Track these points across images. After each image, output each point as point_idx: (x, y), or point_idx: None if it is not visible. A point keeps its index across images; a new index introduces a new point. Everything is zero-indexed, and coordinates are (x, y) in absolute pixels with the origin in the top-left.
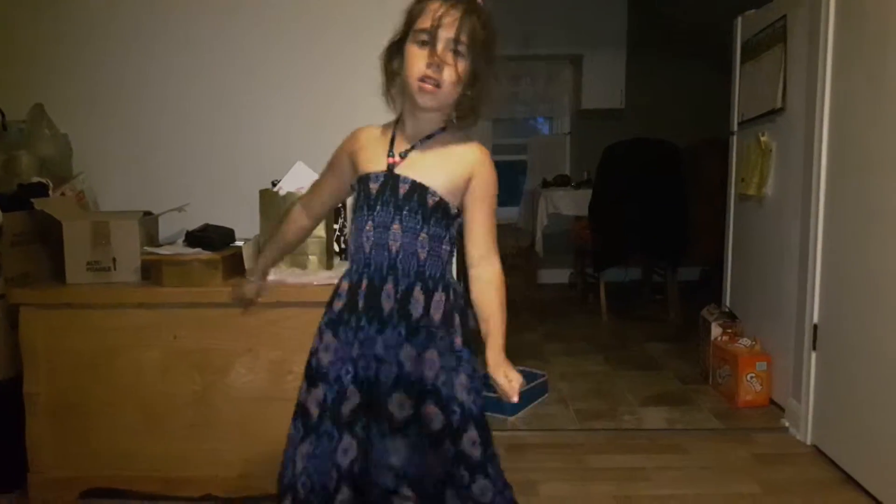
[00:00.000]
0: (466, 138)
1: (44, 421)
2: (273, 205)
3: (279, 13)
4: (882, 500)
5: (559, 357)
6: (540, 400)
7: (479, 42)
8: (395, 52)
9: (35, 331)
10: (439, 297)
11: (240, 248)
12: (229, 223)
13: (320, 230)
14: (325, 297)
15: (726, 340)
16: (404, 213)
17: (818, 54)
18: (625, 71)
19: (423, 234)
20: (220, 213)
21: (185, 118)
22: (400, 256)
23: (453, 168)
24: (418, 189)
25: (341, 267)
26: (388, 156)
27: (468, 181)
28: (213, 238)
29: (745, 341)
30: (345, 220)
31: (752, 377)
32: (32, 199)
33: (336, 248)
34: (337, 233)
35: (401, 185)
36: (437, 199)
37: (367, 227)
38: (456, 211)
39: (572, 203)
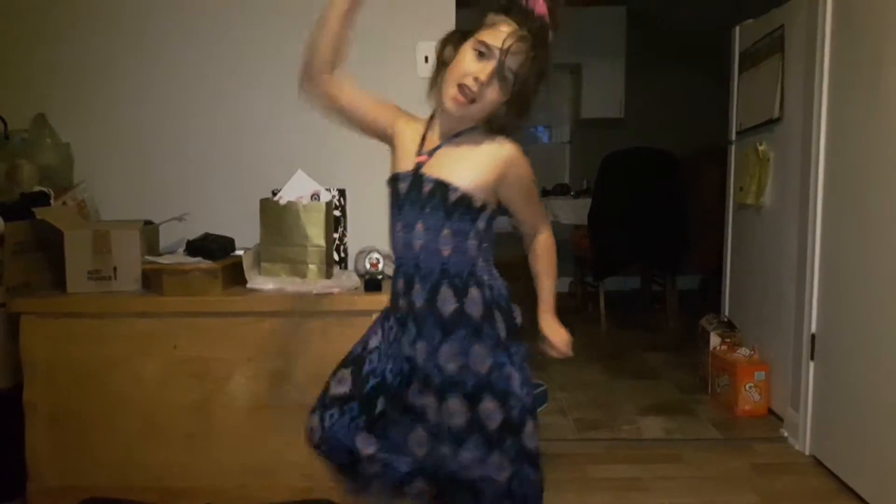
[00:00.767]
0: (497, 135)
1: (43, 430)
2: (273, 214)
3: (281, 23)
4: None
5: (558, 366)
6: (539, 410)
7: (529, 79)
8: (454, 42)
9: (35, 340)
10: (475, 292)
11: (240, 257)
12: (229, 232)
13: (320, 239)
14: (325, 306)
15: (725, 350)
16: (426, 211)
17: (815, 64)
18: (624, 80)
19: (445, 230)
20: (220, 222)
21: (186, 128)
22: (422, 255)
23: (482, 164)
24: (440, 187)
25: (340, 276)
26: (418, 154)
27: (500, 178)
28: (213, 247)
29: (744, 351)
30: (345, 229)
31: (750, 387)
32: (34, 208)
33: (336, 257)
34: (336, 242)
35: (425, 184)
36: (458, 194)
37: (398, 228)
38: (481, 204)
39: (571, 212)
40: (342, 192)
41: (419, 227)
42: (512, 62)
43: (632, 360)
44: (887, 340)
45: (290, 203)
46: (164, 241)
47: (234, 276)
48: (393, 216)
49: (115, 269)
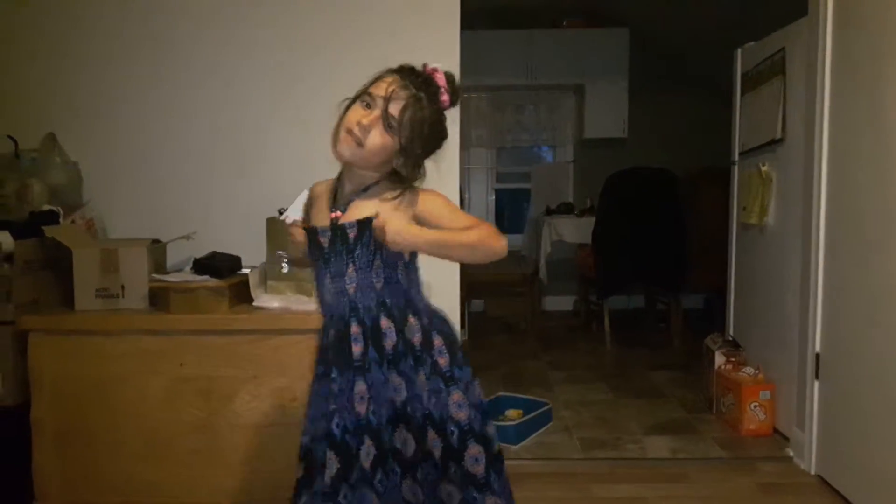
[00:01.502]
0: (399, 184)
1: (50, 446)
2: (279, 233)
3: (290, 45)
4: None
5: (563, 385)
6: (544, 429)
7: (414, 126)
8: (352, 101)
9: (43, 357)
10: (413, 321)
11: (246, 275)
12: (236, 251)
13: None
14: None
15: (730, 369)
16: (356, 253)
17: (816, 86)
18: (627, 101)
19: (377, 262)
20: (227, 240)
21: (194, 147)
22: (358, 295)
23: (393, 210)
24: (365, 224)
25: None
26: (331, 210)
27: (415, 218)
28: (220, 266)
29: (749, 370)
30: None
31: (755, 406)
32: (43, 227)
33: None
34: None
35: (348, 230)
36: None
37: (327, 280)
38: None
39: (576, 230)
40: None
41: (350, 270)
42: (394, 108)
43: (636, 379)
44: (892, 359)
45: (295, 222)
46: (172, 259)
47: (241, 294)
48: (319, 271)
49: (122, 286)
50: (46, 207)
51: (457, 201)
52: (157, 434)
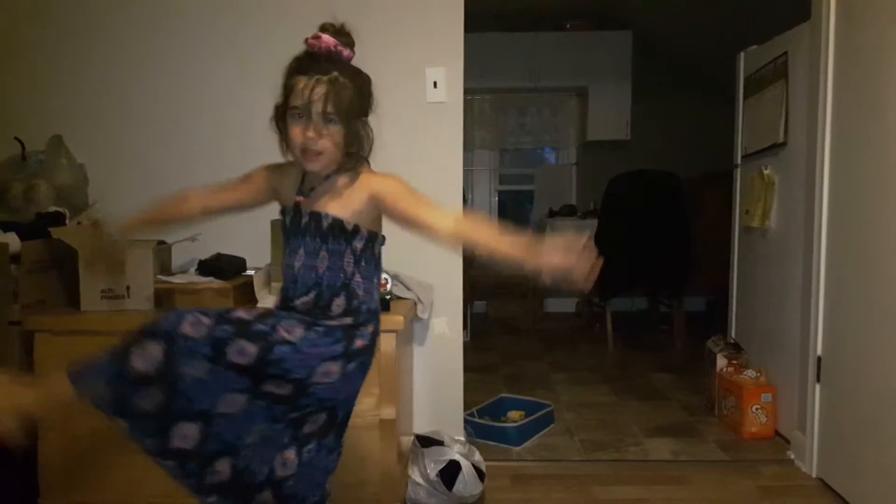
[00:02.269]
0: (356, 171)
1: (55, 446)
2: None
3: (292, 47)
4: None
5: (565, 387)
6: (545, 430)
7: (346, 106)
8: (278, 117)
9: (49, 357)
10: (339, 300)
11: (251, 276)
12: (241, 252)
13: None
14: None
15: (731, 371)
16: (306, 238)
17: (819, 90)
18: (630, 103)
19: (322, 252)
20: (231, 242)
21: (198, 149)
22: (301, 273)
23: (349, 197)
24: (314, 217)
25: None
26: (298, 194)
27: (372, 200)
28: (224, 267)
29: (751, 373)
30: None
31: (757, 409)
32: (50, 228)
33: None
34: None
35: (303, 217)
36: (329, 220)
37: (286, 253)
38: (353, 227)
39: (578, 233)
40: None
41: (300, 251)
42: (319, 106)
43: (638, 381)
44: (893, 362)
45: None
46: (177, 260)
47: (245, 295)
48: (284, 245)
49: (128, 288)
50: (53, 209)
51: (460, 203)
52: None
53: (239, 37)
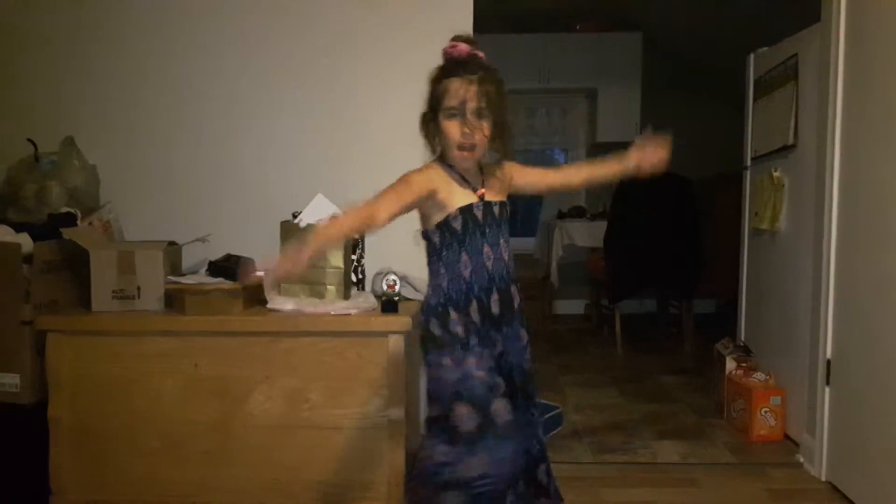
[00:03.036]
0: (496, 159)
1: (67, 443)
2: (293, 236)
3: (307, 49)
4: None
5: (574, 389)
6: (554, 432)
7: (495, 101)
8: (429, 122)
9: (61, 356)
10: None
11: (260, 277)
12: (251, 253)
13: (338, 261)
14: (342, 327)
15: (741, 374)
16: (502, 228)
17: (828, 92)
18: (640, 105)
19: (504, 240)
20: (242, 243)
21: (209, 151)
22: (499, 266)
23: (502, 182)
24: (504, 206)
25: (358, 297)
26: (474, 189)
27: (512, 178)
28: (234, 268)
29: (760, 375)
30: (362, 251)
31: (766, 411)
32: (61, 229)
33: (354, 278)
34: (354, 264)
35: (494, 207)
36: (508, 208)
37: (486, 251)
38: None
39: (587, 234)
40: None
41: (501, 242)
42: (474, 103)
43: (647, 384)
44: None
45: (309, 226)
46: (187, 261)
47: (255, 296)
48: (472, 243)
49: (138, 288)
50: (65, 210)
51: None
52: (172, 433)
53: (255, 41)
